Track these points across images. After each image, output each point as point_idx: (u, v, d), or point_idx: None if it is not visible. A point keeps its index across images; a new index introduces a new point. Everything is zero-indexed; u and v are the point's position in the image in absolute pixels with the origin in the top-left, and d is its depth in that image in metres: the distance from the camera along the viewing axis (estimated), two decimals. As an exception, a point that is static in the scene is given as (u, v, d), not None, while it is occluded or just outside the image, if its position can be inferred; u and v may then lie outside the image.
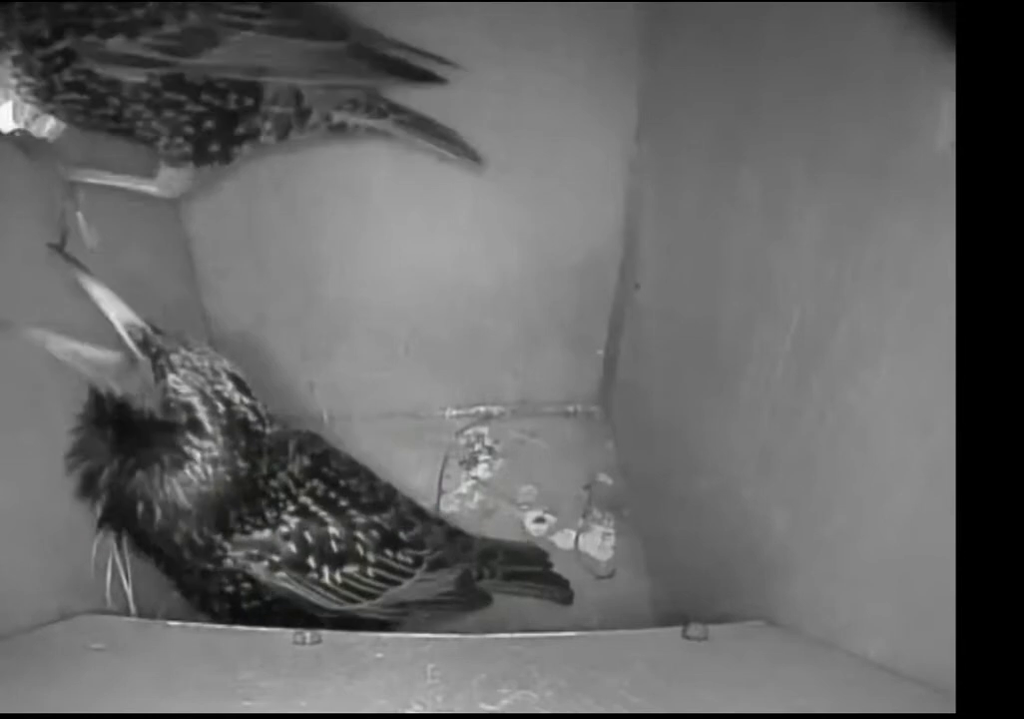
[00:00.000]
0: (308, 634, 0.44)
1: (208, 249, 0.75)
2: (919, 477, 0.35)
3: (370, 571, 0.54)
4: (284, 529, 0.51)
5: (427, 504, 0.80)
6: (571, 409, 0.90)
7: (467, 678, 0.38)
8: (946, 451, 0.30)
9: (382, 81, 0.60)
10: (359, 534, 0.54)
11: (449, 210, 0.75)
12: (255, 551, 0.51)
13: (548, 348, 0.85)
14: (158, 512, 0.48)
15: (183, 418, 0.47)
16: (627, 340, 0.80)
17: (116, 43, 0.49)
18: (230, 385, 0.48)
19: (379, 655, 0.42)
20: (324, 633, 0.45)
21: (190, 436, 0.47)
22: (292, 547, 0.51)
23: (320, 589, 0.52)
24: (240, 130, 0.55)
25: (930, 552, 0.34)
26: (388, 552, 0.55)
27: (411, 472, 0.83)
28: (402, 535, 0.57)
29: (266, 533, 0.51)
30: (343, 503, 0.55)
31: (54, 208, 0.52)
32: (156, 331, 0.46)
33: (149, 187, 0.57)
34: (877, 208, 0.37)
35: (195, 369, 0.47)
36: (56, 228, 0.52)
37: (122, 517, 0.49)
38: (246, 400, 0.49)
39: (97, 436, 0.48)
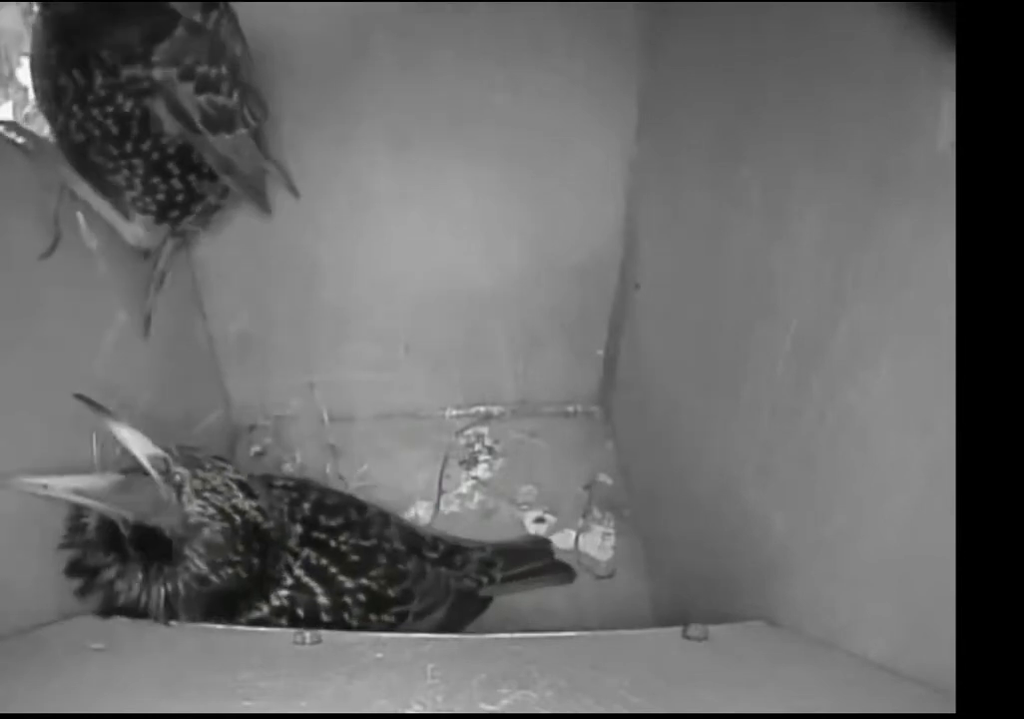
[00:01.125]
0: (308, 634, 0.44)
1: (208, 249, 0.75)
2: (919, 477, 0.35)
3: None
4: (277, 603, 0.53)
5: (427, 504, 0.81)
6: (571, 409, 0.90)
7: (467, 678, 0.38)
8: (946, 451, 0.30)
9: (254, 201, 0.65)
10: (347, 599, 0.56)
11: (449, 210, 0.75)
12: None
13: (548, 348, 0.85)
14: (176, 607, 0.50)
15: (204, 533, 0.49)
16: (627, 340, 0.80)
17: (185, 90, 0.50)
18: (241, 495, 0.51)
19: (379, 655, 0.42)
20: (324, 633, 0.45)
21: (204, 550, 0.49)
22: (284, 622, 0.53)
23: None
24: (192, 208, 0.59)
25: (930, 552, 0.34)
26: (372, 616, 0.57)
27: (411, 472, 0.83)
28: (390, 592, 0.59)
29: (264, 610, 0.53)
30: (332, 570, 0.56)
31: (48, 210, 0.52)
32: (175, 457, 0.49)
33: (122, 228, 0.59)
34: (877, 208, 0.37)
35: (213, 490, 0.50)
36: (49, 231, 0.52)
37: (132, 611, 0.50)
38: (253, 504, 0.52)
39: (101, 550, 0.49)
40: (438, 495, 0.82)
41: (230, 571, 0.50)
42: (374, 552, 0.60)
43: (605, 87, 0.69)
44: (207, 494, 0.49)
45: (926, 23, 0.30)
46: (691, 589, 0.65)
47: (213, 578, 0.50)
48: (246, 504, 0.51)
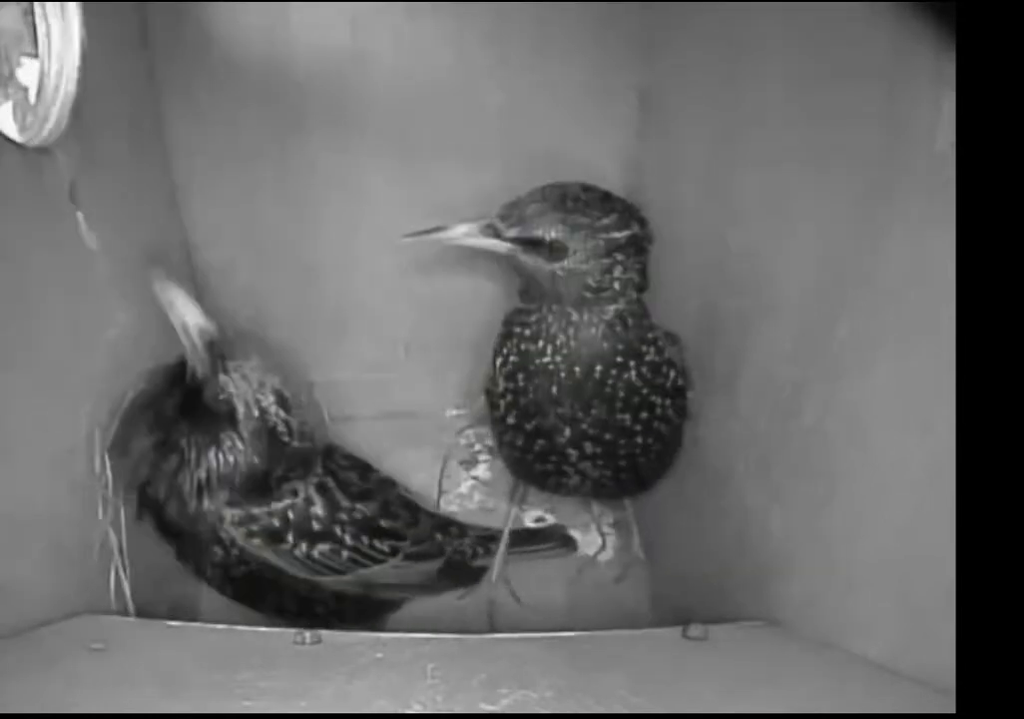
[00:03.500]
0: (308, 634, 0.44)
1: (208, 248, 0.75)
2: (919, 477, 0.35)
3: (344, 553, 0.61)
4: (275, 506, 0.59)
5: (428, 504, 0.81)
6: (571, 409, 0.90)
7: (467, 678, 0.38)
8: (946, 451, 0.30)
9: None
10: (342, 515, 0.61)
11: (449, 210, 0.75)
12: (243, 521, 0.58)
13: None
14: (184, 485, 0.56)
15: (223, 411, 0.56)
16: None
17: None
18: (271, 398, 0.57)
19: (379, 655, 0.42)
20: (324, 633, 0.45)
21: (226, 426, 0.56)
22: (275, 522, 0.58)
23: (291, 560, 0.59)
24: None
25: (930, 552, 0.34)
26: (364, 539, 0.62)
27: (411, 472, 0.83)
28: (383, 523, 0.64)
29: (257, 509, 0.58)
30: (334, 490, 0.62)
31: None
32: (223, 338, 0.55)
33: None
34: (877, 208, 0.37)
35: (244, 377, 0.56)
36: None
37: (141, 482, 0.57)
38: (282, 414, 0.57)
39: (156, 407, 0.57)
40: (438, 495, 0.82)
41: (231, 459, 0.56)
42: (371, 492, 0.66)
43: (605, 87, 0.69)
44: (236, 376, 0.55)
45: (926, 23, 0.30)
46: (691, 589, 0.65)
47: (214, 458, 0.56)
48: (272, 408, 0.57)
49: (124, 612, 0.55)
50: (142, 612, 0.56)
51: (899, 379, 0.36)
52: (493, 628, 0.72)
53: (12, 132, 0.49)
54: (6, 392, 0.46)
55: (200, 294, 0.78)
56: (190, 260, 0.75)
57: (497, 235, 0.53)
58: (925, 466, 0.34)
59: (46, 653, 0.42)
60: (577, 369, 0.56)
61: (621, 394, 0.57)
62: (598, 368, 0.56)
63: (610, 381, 0.56)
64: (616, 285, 0.54)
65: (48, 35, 0.46)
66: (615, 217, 0.52)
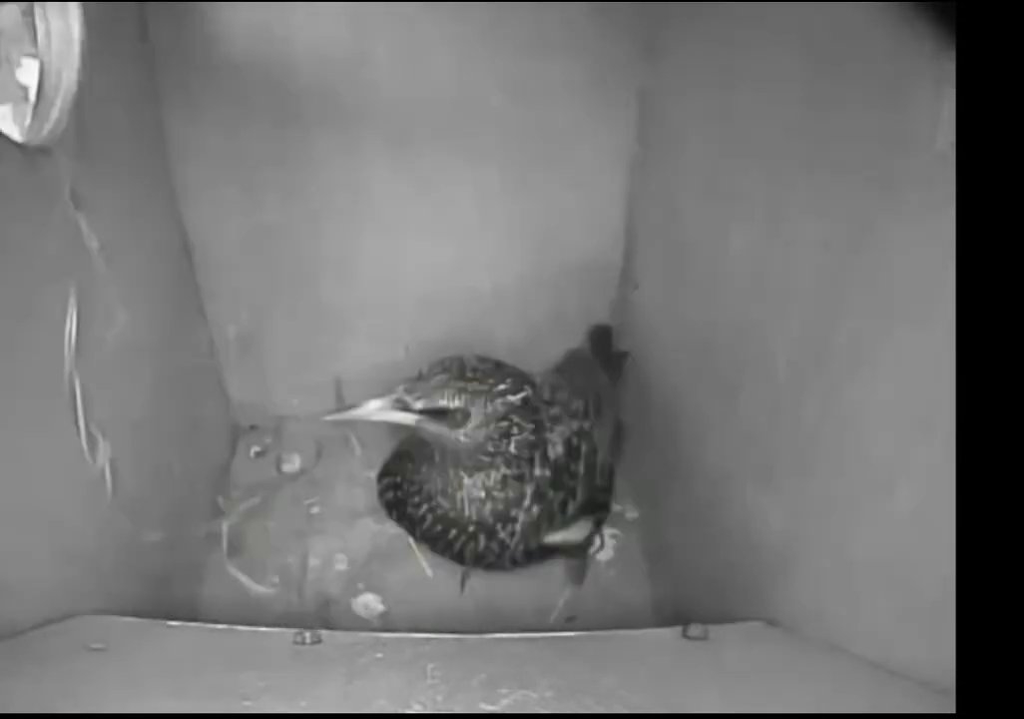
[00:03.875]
0: (308, 634, 0.44)
1: (208, 249, 0.75)
2: (919, 477, 0.35)
3: None
4: None
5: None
6: (571, 409, 0.89)
7: (467, 678, 0.38)
8: (946, 451, 0.30)
9: None
10: None
11: (449, 210, 0.75)
12: None
13: (548, 348, 0.85)
14: None
15: None
16: (627, 341, 0.80)
17: None
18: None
19: (379, 655, 0.42)
20: (324, 633, 0.45)
21: None
22: None
23: None
24: None
25: (930, 552, 0.34)
26: None
27: (411, 472, 0.83)
28: None
29: None
30: None
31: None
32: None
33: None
34: (877, 208, 0.37)
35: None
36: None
37: None
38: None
39: None
40: (438, 495, 0.82)
41: None
42: None
43: (605, 87, 0.69)
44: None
45: (926, 23, 0.30)
46: (691, 589, 0.65)
47: None
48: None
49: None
50: (142, 612, 0.56)
51: (899, 379, 0.36)
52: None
53: (12, 132, 0.49)
54: (8, 392, 0.46)
55: (201, 294, 0.78)
56: (191, 261, 0.75)
57: (406, 408, 0.57)
58: (925, 466, 0.34)
59: (46, 653, 0.42)
60: (439, 527, 0.64)
61: (478, 544, 0.64)
62: (453, 530, 0.63)
63: (463, 538, 0.63)
64: (512, 448, 0.59)
65: (48, 35, 0.46)
66: (510, 382, 0.58)
